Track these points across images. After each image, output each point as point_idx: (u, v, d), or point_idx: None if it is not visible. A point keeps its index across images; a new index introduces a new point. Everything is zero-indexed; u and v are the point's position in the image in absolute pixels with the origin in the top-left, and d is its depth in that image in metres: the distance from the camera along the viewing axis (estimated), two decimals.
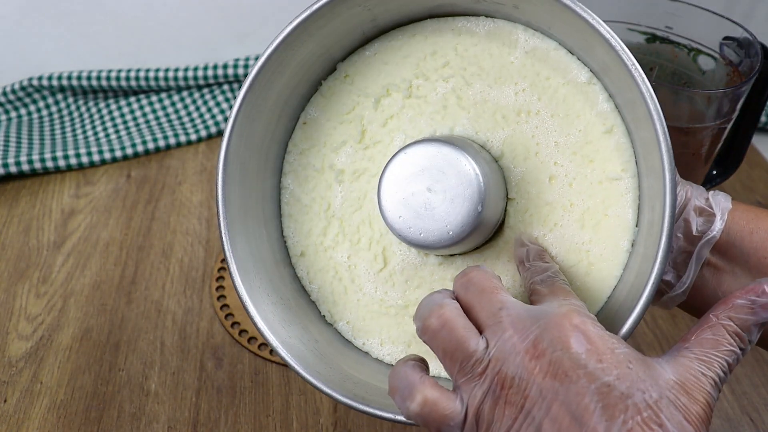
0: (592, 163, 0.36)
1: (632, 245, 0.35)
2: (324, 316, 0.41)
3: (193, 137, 0.79)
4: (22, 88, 0.82)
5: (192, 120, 0.82)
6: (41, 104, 0.83)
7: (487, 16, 0.38)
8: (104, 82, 0.81)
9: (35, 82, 0.81)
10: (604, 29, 0.32)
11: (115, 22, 0.80)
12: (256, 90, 0.38)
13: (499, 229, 0.38)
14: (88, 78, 0.81)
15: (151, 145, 0.78)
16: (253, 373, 0.55)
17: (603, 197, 0.35)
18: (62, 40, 0.80)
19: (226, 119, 0.80)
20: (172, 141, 0.78)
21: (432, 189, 0.34)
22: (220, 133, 0.81)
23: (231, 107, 0.81)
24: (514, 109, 0.37)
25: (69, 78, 0.81)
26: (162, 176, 0.75)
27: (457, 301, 0.30)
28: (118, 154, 0.77)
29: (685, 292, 0.37)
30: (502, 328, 0.28)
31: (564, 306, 0.29)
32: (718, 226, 0.35)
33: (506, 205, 0.37)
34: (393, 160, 0.35)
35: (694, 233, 0.36)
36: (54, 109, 0.84)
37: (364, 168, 0.40)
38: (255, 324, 0.37)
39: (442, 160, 0.34)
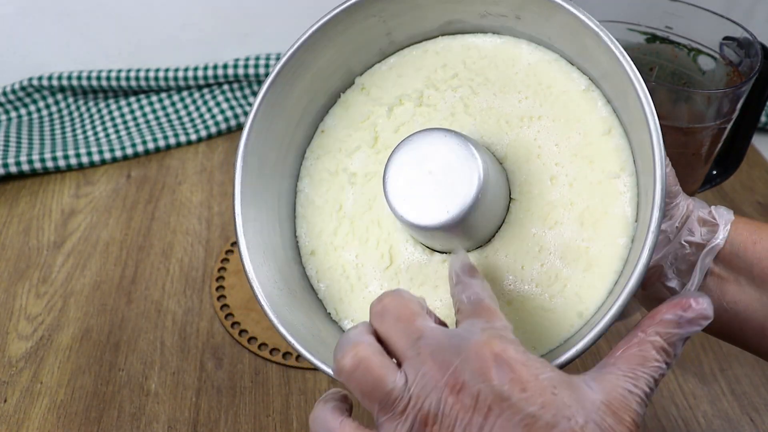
0: (592, 163, 0.37)
1: (632, 241, 0.35)
2: (330, 313, 0.42)
3: (193, 137, 0.79)
4: (22, 88, 0.82)
5: (192, 120, 0.82)
6: (41, 104, 0.83)
7: (494, 33, 0.41)
8: (104, 82, 0.81)
9: (35, 82, 0.81)
10: (603, 32, 0.34)
11: (115, 22, 0.80)
12: (277, 86, 0.40)
13: (501, 227, 0.38)
14: (88, 78, 0.81)
15: (151, 145, 0.78)
16: (253, 373, 0.55)
17: (602, 196, 0.36)
18: (62, 40, 0.80)
19: (226, 119, 0.80)
20: (172, 141, 0.78)
21: (434, 173, 0.35)
22: (220, 133, 0.81)
23: (231, 108, 0.82)
24: (518, 115, 0.39)
25: (69, 78, 0.81)
26: (162, 176, 0.75)
27: (376, 332, 0.29)
28: (118, 154, 0.77)
29: None
30: (421, 360, 0.27)
31: (486, 331, 0.27)
32: (721, 234, 0.36)
33: (509, 205, 0.38)
34: (399, 147, 0.36)
35: (698, 241, 0.36)
36: (54, 109, 0.84)
37: (375, 171, 0.41)
38: (254, 291, 0.38)
39: (446, 146, 0.35)
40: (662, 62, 0.50)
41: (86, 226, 0.69)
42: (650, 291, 0.39)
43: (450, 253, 0.39)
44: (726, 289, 0.37)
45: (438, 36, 0.42)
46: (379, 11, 0.40)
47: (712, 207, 0.38)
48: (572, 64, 0.39)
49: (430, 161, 0.35)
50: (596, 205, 0.36)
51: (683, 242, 0.37)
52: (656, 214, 0.31)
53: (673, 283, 0.37)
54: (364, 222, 0.41)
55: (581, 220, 0.36)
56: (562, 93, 0.38)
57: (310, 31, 0.40)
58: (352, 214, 0.41)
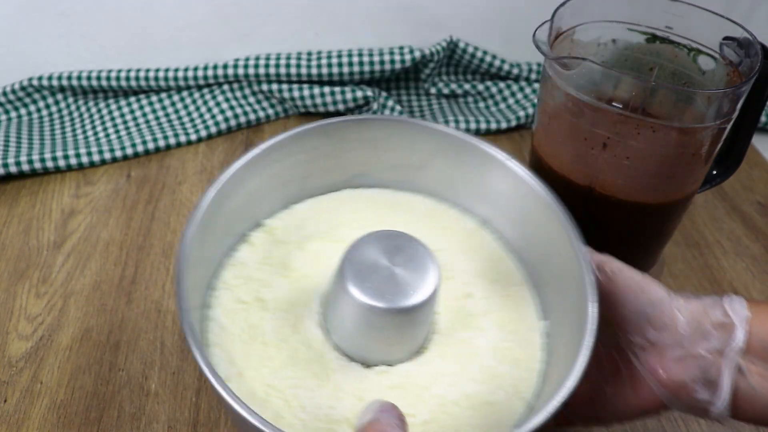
0: (496, 281, 0.46)
1: (547, 336, 0.43)
2: None
3: (193, 137, 0.79)
4: (22, 88, 0.82)
5: (192, 120, 0.82)
6: (41, 104, 0.83)
7: (393, 189, 0.51)
8: (104, 82, 0.81)
9: (35, 82, 0.81)
10: (511, 162, 0.45)
11: (115, 22, 0.80)
12: (217, 198, 0.41)
13: (432, 338, 0.43)
14: (88, 78, 0.81)
15: (151, 145, 0.78)
16: None
17: (512, 304, 0.44)
18: (62, 40, 0.80)
19: (226, 119, 0.80)
20: (172, 141, 0.78)
21: (395, 262, 0.39)
22: (221, 133, 0.81)
23: (231, 108, 0.81)
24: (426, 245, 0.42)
25: (69, 78, 0.81)
26: (162, 176, 0.75)
27: None
28: (118, 154, 0.77)
29: (727, 407, 0.35)
30: None
31: None
32: (739, 335, 0.35)
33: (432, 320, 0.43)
34: (352, 245, 0.39)
35: (717, 347, 0.35)
36: (54, 109, 0.84)
37: (296, 298, 0.43)
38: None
39: (398, 240, 0.40)
40: (662, 62, 0.50)
41: (86, 226, 0.69)
42: (681, 404, 0.37)
43: (385, 365, 0.41)
44: None
45: (343, 189, 0.50)
46: (313, 148, 0.46)
47: (725, 300, 0.36)
48: (464, 210, 0.49)
49: (388, 254, 0.39)
50: (509, 310, 0.44)
51: (702, 352, 0.35)
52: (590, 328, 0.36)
53: (704, 395, 0.36)
54: (291, 345, 0.41)
55: (500, 326, 0.43)
56: (457, 231, 0.48)
57: (255, 151, 0.44)
58: (277, 339, 0.42)
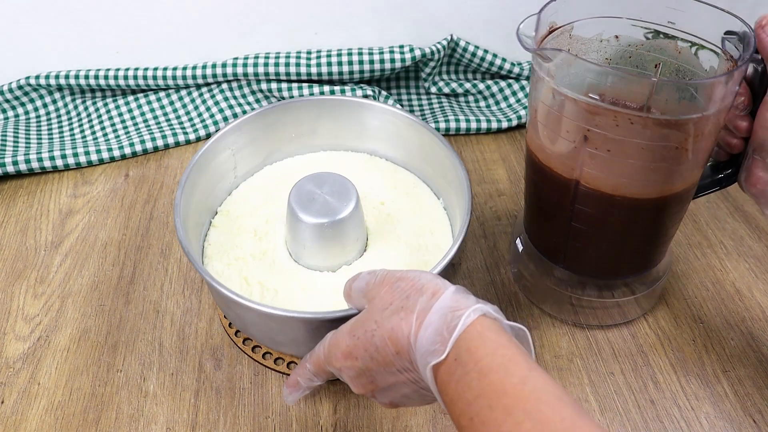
0: (396, 187, 0.63)
1: (445, 209, 0.62)
2: None
3: (192, 137, 0.79)
4: (20, 87, 0.81)
5: (191, 119, 0.81)
6: (39, 103, 0.83)
7: (295, 156, 0.67)
8: (102, 81, 0.80)
9: (33, 81, 0.81)
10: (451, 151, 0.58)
11: (113, 20, 0.79)
12: (186, 189, 0.54)
13: (368, 245, 0.57)
14: (86, 77, 0.80)
15: (149, 145, 0.77)
16: (253, 375, 0.55)
17: (414, 197, 0.63)
18: (60, 39, 0.80)
19: (225, 119, 0.80)
20: (170, 140, 0.78)
21: (322, 190, 0.54)
22: None
23: (230, 107, 0.81)
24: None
25: (67, 77, 0.80)
26: (160, 176, 0.75)
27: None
28: (116, 153, 0.76)
29: None
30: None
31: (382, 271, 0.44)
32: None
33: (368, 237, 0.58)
34: (294, 187, 0.54)
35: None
36: (51, 108, 0.83)
37: (265, 246, 0.57)
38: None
39: (329, 176, 0.55)
40: (666, 59, 0.50)
41: (84, 226, 0.68)
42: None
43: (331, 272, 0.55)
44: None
45: (263, 167, 0.65)
46: (231, 144, 0.61)
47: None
48: (354, 149, 0.67)
49: (319, 184, 0.54)
50: (413, 202, 0.61)
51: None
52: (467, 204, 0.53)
53: None
54: (265, 264, 0.56)
55: (411, 213, 0.60)
56: (355, 164, 0.65)
57: (194, 159, 0.56)
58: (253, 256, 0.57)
